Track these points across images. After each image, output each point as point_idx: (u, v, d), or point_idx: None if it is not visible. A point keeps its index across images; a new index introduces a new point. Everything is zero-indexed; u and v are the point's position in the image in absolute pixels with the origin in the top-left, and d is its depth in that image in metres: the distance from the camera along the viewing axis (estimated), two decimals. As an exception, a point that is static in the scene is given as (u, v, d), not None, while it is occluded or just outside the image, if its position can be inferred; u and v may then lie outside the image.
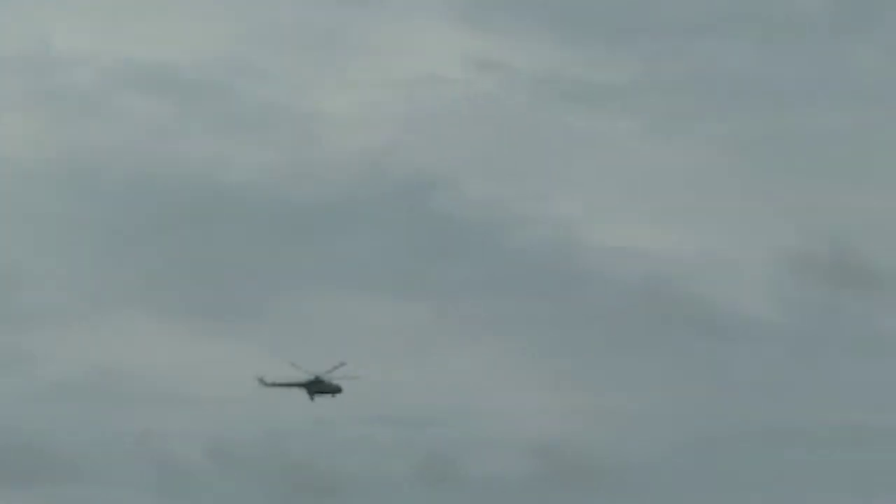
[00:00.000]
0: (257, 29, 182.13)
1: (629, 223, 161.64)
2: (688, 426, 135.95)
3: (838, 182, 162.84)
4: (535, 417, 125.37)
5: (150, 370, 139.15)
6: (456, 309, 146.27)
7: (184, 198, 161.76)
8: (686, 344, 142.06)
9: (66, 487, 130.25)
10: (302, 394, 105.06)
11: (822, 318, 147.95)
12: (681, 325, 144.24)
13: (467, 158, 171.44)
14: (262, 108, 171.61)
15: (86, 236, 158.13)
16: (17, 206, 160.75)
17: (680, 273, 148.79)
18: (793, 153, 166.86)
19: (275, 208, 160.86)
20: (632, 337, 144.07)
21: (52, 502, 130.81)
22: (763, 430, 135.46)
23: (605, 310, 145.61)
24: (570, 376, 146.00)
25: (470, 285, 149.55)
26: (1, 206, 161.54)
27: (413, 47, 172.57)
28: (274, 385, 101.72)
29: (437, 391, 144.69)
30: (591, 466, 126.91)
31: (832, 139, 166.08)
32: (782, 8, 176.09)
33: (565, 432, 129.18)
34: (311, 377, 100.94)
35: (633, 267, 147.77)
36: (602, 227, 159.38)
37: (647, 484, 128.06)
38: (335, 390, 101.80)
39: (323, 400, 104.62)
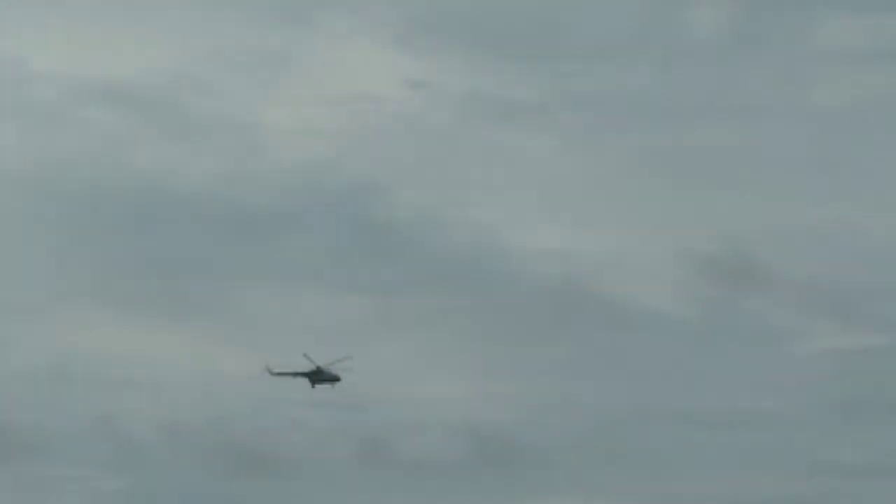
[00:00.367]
0: (206, 48, 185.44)
1: (544, 227, 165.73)
2: (598, 409, 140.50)
3: (731, 191, 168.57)
4: (461, 403, 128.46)
5: (107, 358, 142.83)
6: (390, 304, 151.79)
7: (138, 202, 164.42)
8: (596, 335, 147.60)
9: (30, 465, 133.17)
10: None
11: (717, 313, 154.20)
12: (592, 319, 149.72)
13: (399, 169, 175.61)
14: (209, 120, 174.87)
15: (48, 236, 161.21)
16: (3, 209, 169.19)
17: (590, 272, 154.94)
18: (690, 164, 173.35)
19: (222, 212, 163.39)
20: (548, 329, 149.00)
21: (18, 479, 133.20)
22: (666, 412, 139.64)
23: (523, 305, 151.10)
24: (492, 365, 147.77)
25: (403, 283, 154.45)
26: None
27: (349, 68, 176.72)
28: (279, 374, 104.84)
29: (373, 378, 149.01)
30: (513, 446, 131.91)
31: (725, 152, 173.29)
32: (678, 33, 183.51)
33: (489, 416, 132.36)
34: (314, 367, 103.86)
35: (549, 266, 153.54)
36: (520, 230, 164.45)
37: (563, 461, 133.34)
38: (334, 379, 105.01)
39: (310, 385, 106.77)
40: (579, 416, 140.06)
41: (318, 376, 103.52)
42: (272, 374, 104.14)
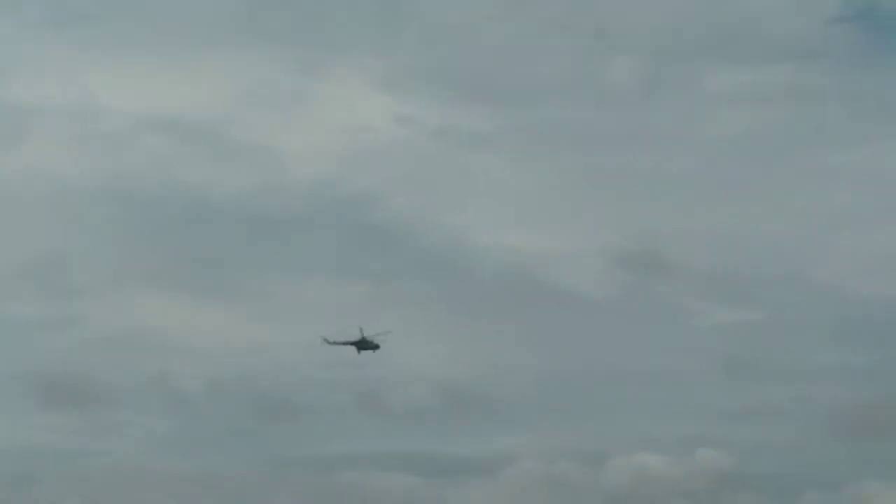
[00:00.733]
0: (239, 89, 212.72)
1: (500, 229, 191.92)
2: (542, 368, 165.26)
3: (644, 201, 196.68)
4: (437, 364, 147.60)
5: (161, 330, 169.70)
6: (382, 288, 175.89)
7: (185, 208, 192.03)
8: (540, 312, 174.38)
9: (102, 412, 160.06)
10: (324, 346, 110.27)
11: (632, 295, 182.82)
12: (536, 300, 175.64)
13: (389, 183, 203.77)
14: (241, 145, 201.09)
15: (117, 235, 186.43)
16: (71, 214, 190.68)
17: (535, 263, 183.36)
18: (612, 181, 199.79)
19: (251, 216, 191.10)
20: (503, 308, 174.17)
21: (94, 422, 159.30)
22: (593, 370, 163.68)
23: (484, 289, 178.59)
24: (460, 335, 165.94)
25: (392, 271, 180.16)
26: (60, 215, 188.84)
27: (350, 105, 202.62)
28: (334, 343, 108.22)
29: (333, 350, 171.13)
30: (477, 396, 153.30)
31: (640, 171, 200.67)
32: (602, 78, 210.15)
33: (458, 374, 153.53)
34: (360, 338, 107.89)
35: (504, 259, 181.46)
36: (482, 231, 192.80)
37: (514, 407, 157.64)
38: (375, 347, 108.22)
39: (357, 352, 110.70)
40: (527, 373, 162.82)
41: (362, 345, 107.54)
42: (328, 343, 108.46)
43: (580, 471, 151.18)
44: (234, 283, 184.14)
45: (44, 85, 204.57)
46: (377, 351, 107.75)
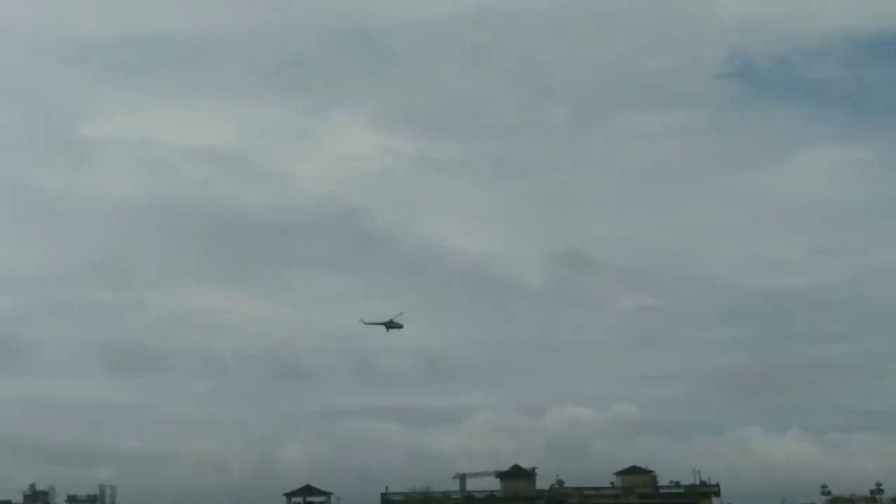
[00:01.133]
0: (260, 125, 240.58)
1: (465, 235, 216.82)
2: (495, 341, 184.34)
3: (576, 214, 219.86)
4: (415, 338, 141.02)
5: (202, 312, 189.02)
6: (371, 283, 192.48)
7: (219, 219, 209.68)
8: (494, 299, 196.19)
9: (154, 375, 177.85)
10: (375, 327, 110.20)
11: (566, 286, 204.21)
12: (492, 290, 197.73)
13: (377, 200, 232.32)
14: (262, 170, 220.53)
15: (164, 240, 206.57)
16: (131, 223, 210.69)
17: (491, 262, 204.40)
18: (553, 199, 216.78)
19: (270, 226, 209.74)
20: (466, 296, 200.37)
21: (147, 384, 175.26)
22: (535, 343, 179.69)
23: (451, 282, 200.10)
24: (433, 318, 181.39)
25: (379, 270, 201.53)
26: (123, 224, 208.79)
27: (347, 138, 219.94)
28: (369, 323, 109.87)
29: (358, 326, 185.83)
30: (447, 364, 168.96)
31: (573, 192, 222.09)
32: (541, 117, 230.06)
33: (431, 346, 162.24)
34: (388, 319, 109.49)
35: (467, 259, 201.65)
36: (451, 237, 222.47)
37: (474, 371, 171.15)
38: (399, 326, 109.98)
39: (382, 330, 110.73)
40: (485, 346, 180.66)
41: (390, 325, 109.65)
42: (364, 324, 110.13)
43: (525, 419, 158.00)
44: (257, 277, 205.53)
45: (109, 123, 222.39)
46: (401, 330, 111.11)
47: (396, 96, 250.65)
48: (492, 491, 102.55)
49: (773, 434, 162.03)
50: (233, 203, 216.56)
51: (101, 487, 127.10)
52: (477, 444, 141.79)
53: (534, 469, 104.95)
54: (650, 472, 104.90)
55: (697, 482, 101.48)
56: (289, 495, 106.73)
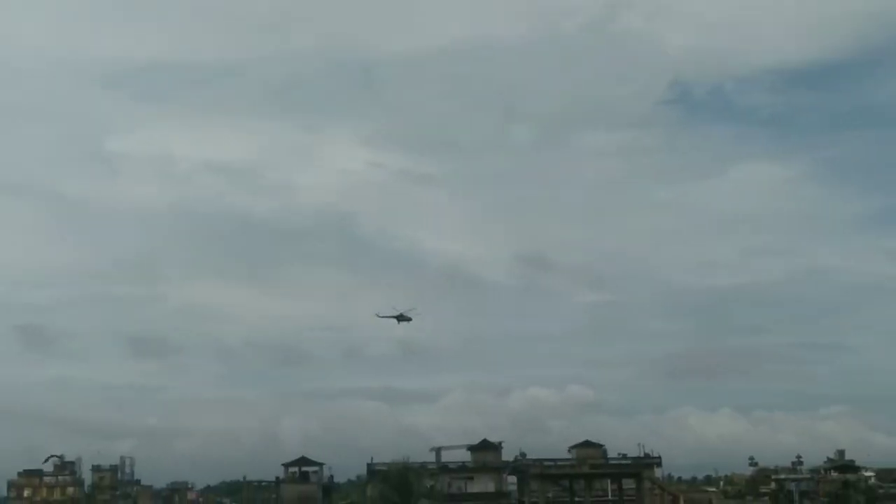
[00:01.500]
0: (266, 143, 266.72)
1: (442, 238, 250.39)
2: (466, 331, 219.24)
3: (540, 221, 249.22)
4: (397, 328, 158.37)
5: (218, 306, 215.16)
6: (361, 279, 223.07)
7: (232, 224, 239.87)
8: (468, 295, 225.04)
9: (172, 359, 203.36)
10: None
11: (531, 284, 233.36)
12: (466, 287, 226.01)
13: (366, 208, 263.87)
14: (269, 181, 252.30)
15: (185, 244, 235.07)
16: (153, 227, 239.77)
17: (466, 263, 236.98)
18: (519, 208, 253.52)
19: (276, 230, 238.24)
20: (443, 293, 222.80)
21: (169, 365, 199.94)
22: (500, 333, 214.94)
23: (430, 281, 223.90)
24: (417, 311, 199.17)
25: (369, 268, 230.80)
26: (146, 228, 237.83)
27: (340, 155, 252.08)
28: (382, 316, 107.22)
29: (350, 317, 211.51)
30: (425, 350, 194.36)
31: (537, 202, 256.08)
32: (505, 138, 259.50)
33: (410, 334, 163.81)
34: (399, 313, 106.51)
35: (443, 259, 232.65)
36: (429, 241, 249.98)
37: (446, 355, 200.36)
38: (409, 319, 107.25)
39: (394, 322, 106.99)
40: (458, 335, 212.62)
41: (401, 318, 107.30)
42: (379, 316, 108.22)
43: (492, 399, 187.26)
44: (262, 274, 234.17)
45: (133, 139, 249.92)
46: (410, 322, 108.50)
47: (384, 119, 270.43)
48: (463, 462, 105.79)
49: (707, 412, 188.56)
50: (242, 210, 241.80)
51: (122, 458, 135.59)
52: (450, 421, 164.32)
53: (500, 443, 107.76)
54: (601, 445, 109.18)
55: (642, 454, 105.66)
56: (286, 465, 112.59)
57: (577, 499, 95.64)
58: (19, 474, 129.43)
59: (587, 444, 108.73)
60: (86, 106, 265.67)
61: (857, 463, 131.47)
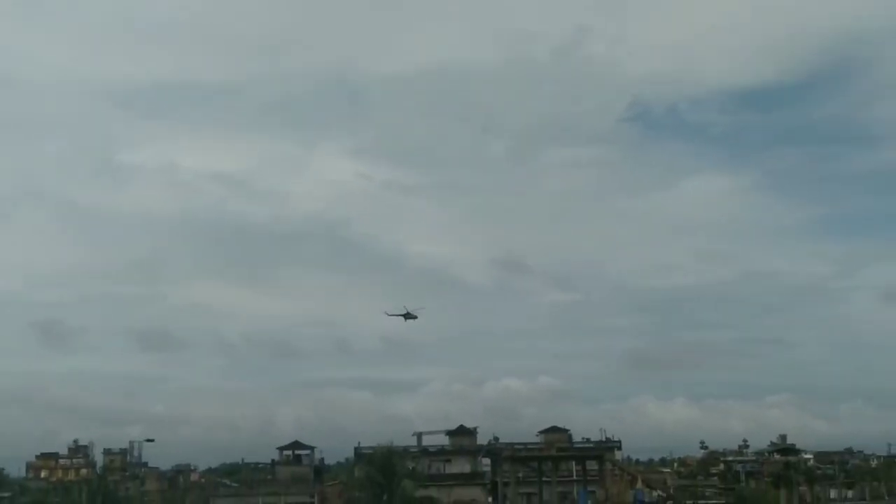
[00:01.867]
0: (262, 155, 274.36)
1: (423, 243, 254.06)
2: (447, 328, 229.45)
3: (514, 226, 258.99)
4: (382, 324, 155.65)
5: (220, 305, 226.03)
6: (350, 279, 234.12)
7: (234, 229, 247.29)
8: (448, 294, 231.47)
9: (177, 352, 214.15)
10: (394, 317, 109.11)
11: (505, 284, 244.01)
12: (447, 287, 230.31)
13: (356, 214, 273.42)
14: (267, 189, 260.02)
15: (189, 248, 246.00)
16: (158, 233, 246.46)
17: (445, 265, 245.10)
18: (495, 214, 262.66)
19: (272, 234, 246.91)
20: (426, 292, 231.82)
21: (172, 358, 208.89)
22: (477, 331, 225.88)
23: (413, 281, 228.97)
24: (423, 310, 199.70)
25: (357, 270, 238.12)
26: (152, 233, 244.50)
27: (330, 166, 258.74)
28: (390, 315, 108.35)
29: (340, 314, 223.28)
30: (407, 344, 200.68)
31: (511, 210, 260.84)
32: (480, 152, 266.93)
33: (396, 330, 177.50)
34: (406, 311, 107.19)
35: (424, 261, 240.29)
36: (413, 244, 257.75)
37: (430, 350, 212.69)
38: (415, 317, 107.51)
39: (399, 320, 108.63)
40: (438, 331, 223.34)
41: (407, 316, 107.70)
42: (387, 315, 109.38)
43: (469, 389, 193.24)
44: (259, 275, 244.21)
45: (142, 151, 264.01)
46: (416, 320, 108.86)
47: (371, 133, 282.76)
48: (442, 445, 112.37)
49: (664, 401, 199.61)
50: (241, 217, 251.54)
51: (131, 443, 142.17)
52: (431, 409, 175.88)
53: (475, 428, 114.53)
54: (567, 430, 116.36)
55: (604, 438, 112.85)
56: (281, 449, 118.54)
57: (544, 479, 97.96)
58: (37, 457, 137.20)
59: (554, 429, 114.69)
60: (99, 122, 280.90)
61: (798, 446, 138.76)
